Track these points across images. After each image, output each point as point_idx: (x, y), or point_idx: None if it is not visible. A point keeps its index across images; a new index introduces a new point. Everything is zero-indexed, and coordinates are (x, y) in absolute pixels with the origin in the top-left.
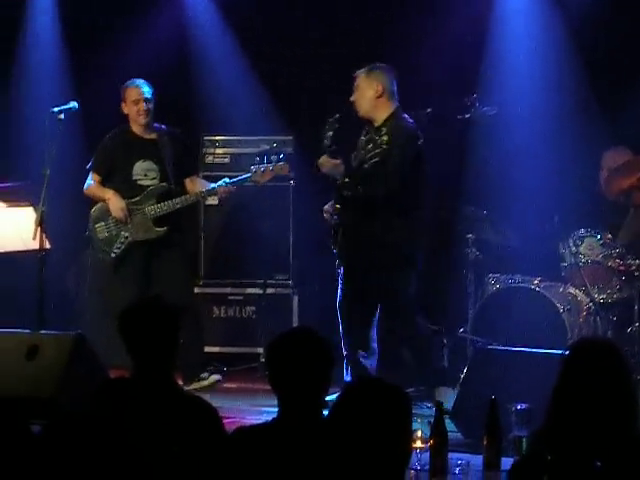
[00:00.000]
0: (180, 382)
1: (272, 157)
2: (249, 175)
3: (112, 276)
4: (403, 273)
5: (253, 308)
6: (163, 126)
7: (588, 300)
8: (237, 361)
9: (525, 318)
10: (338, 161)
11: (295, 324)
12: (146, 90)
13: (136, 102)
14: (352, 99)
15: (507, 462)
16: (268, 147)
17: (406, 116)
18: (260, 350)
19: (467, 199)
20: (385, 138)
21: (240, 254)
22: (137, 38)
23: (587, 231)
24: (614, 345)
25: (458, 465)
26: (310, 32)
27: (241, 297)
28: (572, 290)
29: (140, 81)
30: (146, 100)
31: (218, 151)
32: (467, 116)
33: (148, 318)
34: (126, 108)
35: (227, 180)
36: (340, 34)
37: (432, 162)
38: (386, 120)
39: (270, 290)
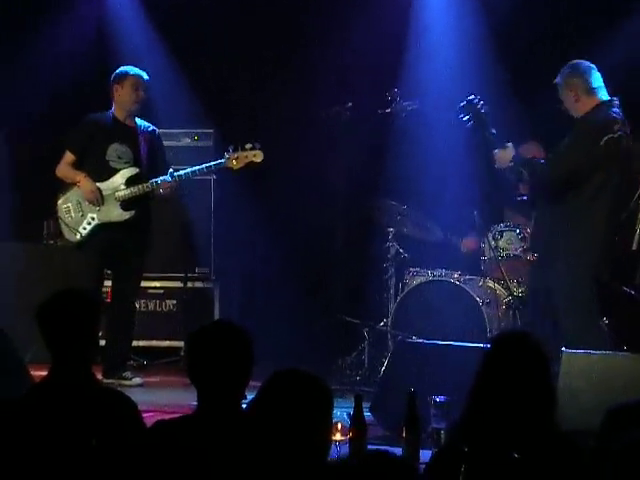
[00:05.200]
0: (100, 376)
1: (246, 145)
2: (222, 161)
3: (73, 260)
4: None
5: (174, 302)
6: (144, 121)
7: (507, 294)
8: (158, 355)
9: (445, 312)
10: (507, 150)
11: (216, 317)
12: (146, 79)
13: (136, 87)
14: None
15: (426, 455)
16: (189, 140)
17: (601, 110)
18: (181, 344)
19: (387, 193)
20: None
21: (161, 247)
22: (56, 29)
23: (506, 225)
24: (535, 338)
25: None
26: (230, 25)
27: (162, 291)
28: (491, 284)
29: (140, 71)
30: (144, 89)
31: None
32: (388, 110)
33: (67, 311)
34: (120, 91)
35: (205, 165)
36: (260, 26)
37: (353, 156)
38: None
39: (191, 284)
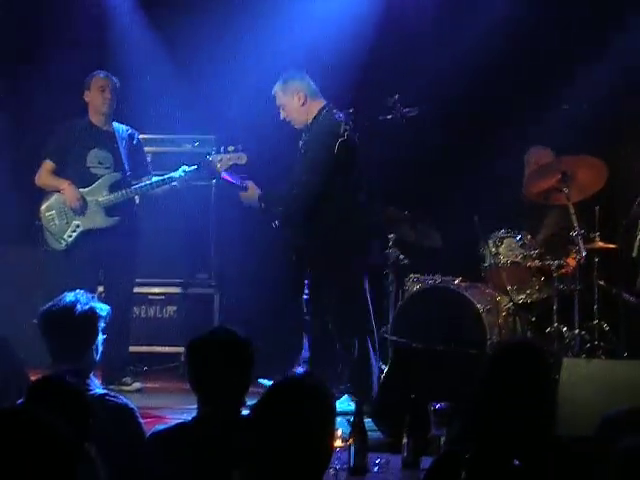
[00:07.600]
0: (100, 381)
1: (229, 147)
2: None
3: (62, 268)
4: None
5: (174, 308)
6: (123, 125)
7: (507, 300)
8: (158, 360)
9: (445, 318)
10: (248, 191)
11: (216, 324)
12: (113, 80)
13: (102, 89)
14: (283, 118)
15: (427, 461)
16: (190, 146)
17: (334, 112)
18: (181, 350)
19: (388, 199)
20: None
21: (162, 253)
22: (57, 35)
23: (507, 232)
24: (539, 346)
25: (377, 464)
26: (232, 33)
27: (162, 297)
28: (492, 290)
29: (107, 73)
30: (112, 90)
31: None
32: (389, 117)
33: (70, 319)
34: (89, 95)
35: (186, 169)
36: (260, 33)
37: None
38: (312, 120)
39: (192, 290)
